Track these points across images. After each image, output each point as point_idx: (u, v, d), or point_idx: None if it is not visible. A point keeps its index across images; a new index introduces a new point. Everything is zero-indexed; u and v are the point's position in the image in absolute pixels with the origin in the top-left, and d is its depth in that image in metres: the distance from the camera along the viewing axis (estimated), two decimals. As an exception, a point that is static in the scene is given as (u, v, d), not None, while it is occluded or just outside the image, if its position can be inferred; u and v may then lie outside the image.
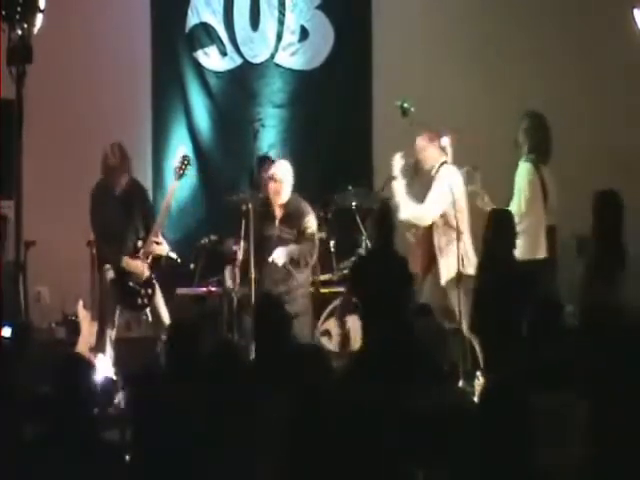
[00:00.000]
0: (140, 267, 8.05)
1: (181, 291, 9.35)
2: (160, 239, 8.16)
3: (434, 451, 4.27)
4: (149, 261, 8.10)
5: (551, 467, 3.85)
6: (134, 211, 8.11)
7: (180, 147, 10.40)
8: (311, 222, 8.48)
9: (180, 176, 8.33)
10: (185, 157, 8.39)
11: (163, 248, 8.20)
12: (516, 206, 8.27)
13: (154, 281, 8.16)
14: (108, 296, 8.09)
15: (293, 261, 8.33)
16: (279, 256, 8.29)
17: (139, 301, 8.10)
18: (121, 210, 8.07)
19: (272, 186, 8.47)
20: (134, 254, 8.06)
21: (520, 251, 7.80)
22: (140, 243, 8.09)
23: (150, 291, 8.12)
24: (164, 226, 8.29)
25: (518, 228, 7.77)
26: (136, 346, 8.42)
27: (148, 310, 8.14)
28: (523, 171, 8.40)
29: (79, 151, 9.79)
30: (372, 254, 8.25)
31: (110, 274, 8.04)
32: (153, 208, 8.37)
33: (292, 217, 8.44)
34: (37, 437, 4.38)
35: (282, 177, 8.45)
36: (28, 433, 4.50)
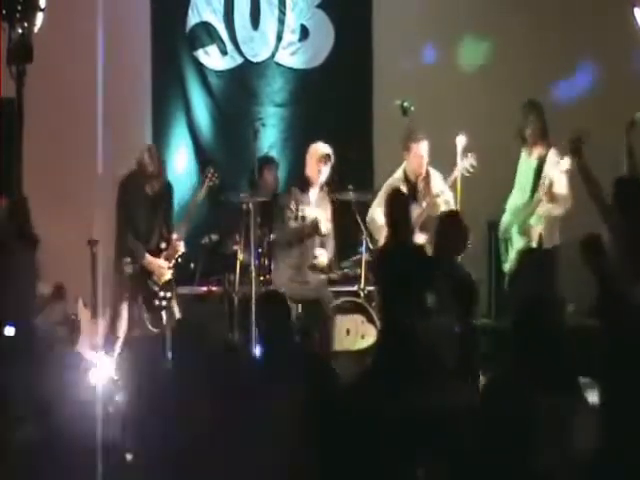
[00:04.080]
0: (162, 268, 8.06)
1: (182, 290, 9.35)
2: (181, 243, 8.19)
3: (434, 451, 4.27)
4: (172, 264, 8.12)
5: (551, 467, 3.86)
6: (159, 212, 8.14)
7: (181, 147, 10.49)
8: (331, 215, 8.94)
9: (206, 186, 8.37)
10: (210, 170, 8.44)
11: (180, 248, 8.22)
12: (567, 193, 8.32)
13: (173, 284, 8.18)
14: (122, 290, 8.08)
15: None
16: (323, 256, 8.75)
17: (156, 302, 8.09)
18: (148, 209, 8.09)
19: (320, 166, 8.78)
20: (157, 254, 8.07)
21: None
22: (164, 245, 8.10)
23: (169, 294, 8.11)
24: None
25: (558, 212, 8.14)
26: (138, 345, 8.41)
27: (164, 312, 8.14)
28: (555, 158, 8.40)
29: (79, 151, 9.79)
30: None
31: (128, 269, 8.04)
32: (173, 213, 8.36)
33: (324, 202, 8.86)
34: (36, 437, 4.37)
35: (331, 152, 8.79)
36: (28, 433, 4.49)
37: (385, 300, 7.47)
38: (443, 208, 8.45)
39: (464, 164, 8.52)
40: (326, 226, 8.78)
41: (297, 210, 8.75)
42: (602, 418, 4.27)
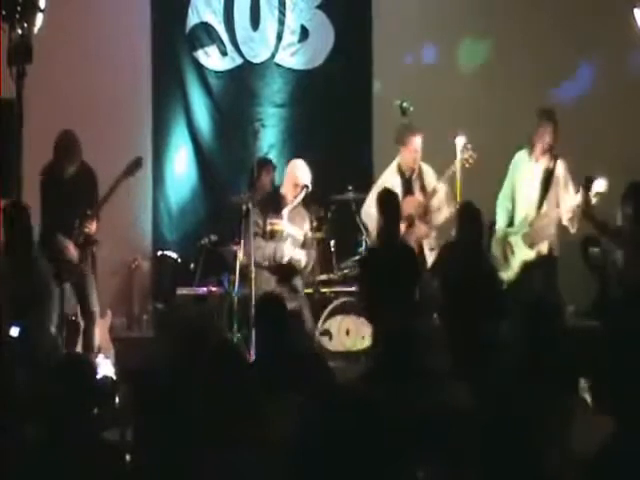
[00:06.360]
0: (65, 244, 8.00)
1: (182, 291, 9.36)
2: (93, 224, 8.12)
3: (434, 451, 4.27)
4: (81, 240, 8.05)
5: (551, 467, 3.86)
6: (79, 196, 8.10)
7: (181, 148, 10.49)
8: (309, 227, 8.66)
9: (128, 175, 8.27)
10: (139, 158, 8.38)
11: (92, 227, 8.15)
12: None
13: (83, 264, 8.11)
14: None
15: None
16: (302, 259, 8.46)
17: (61, 275, 8.01)
18: (67, 194, 8.05)
19: (296, 191, 8.49)
20: (70, 233, 8.03)
21: None
22: (77, 222, 8.06)
23: (71, 268, 8.03)
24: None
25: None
26: (136, 346, 8.42)
27: (68, 285, 8.06)
28: (565, 172, 8.38)
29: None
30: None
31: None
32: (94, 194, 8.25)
33: (299, 217, 8.58)
34: (37, 437, 4.38)
35: (309, 184, 8.55)
36: (28, 433, 4.49)
37: (373, 300, 7.53)
38: (438, 202, 8.53)
39: (464, 155, 8.47)
40: (299, 253, 8.48)
41: (265, 225, 8.48)
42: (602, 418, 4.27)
